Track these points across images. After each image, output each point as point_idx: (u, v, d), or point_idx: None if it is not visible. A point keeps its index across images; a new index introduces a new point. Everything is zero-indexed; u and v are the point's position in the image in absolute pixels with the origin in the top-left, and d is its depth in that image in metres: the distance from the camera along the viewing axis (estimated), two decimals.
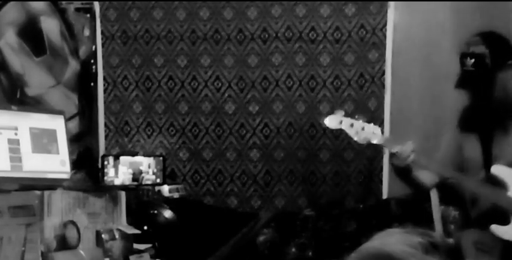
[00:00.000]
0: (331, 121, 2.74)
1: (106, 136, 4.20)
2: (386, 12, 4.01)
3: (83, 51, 4.21)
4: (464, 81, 2.68)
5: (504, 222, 2.60)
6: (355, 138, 2.71)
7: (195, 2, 4.11)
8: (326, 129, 4.01)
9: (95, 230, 2.69)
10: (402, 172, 2.69)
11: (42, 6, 4.18)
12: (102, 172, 3.26)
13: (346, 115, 2.71)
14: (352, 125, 2.70)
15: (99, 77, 4.19)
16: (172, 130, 4.16)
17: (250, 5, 4.08)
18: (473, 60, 2.62)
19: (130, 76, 4.18)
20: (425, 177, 2.75)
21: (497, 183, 2.63)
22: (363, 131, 2.69)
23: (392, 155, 2.67)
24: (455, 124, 2.83)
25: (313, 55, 4.07)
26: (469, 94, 2.75)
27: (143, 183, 3.44)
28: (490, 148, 2.70)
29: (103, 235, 2.68)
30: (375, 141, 2.70)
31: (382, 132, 2.76)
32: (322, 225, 3.87)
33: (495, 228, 2.60)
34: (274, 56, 4.09)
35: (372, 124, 2.71)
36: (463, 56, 2.66)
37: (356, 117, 2.73)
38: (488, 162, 2.68)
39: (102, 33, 4.17)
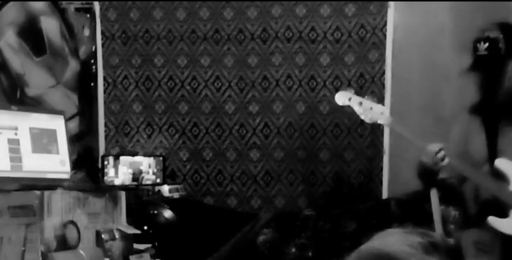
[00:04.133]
0: (340, 97, 2.74)
1: (106, 136, 4.20)
2: (386, 12, 4.01)
3: (83, 51, 4.22)
4: (477, 65, 2.66)
5: (503, 216, 2.60)
6: (362, 117, 2.70)
7: (195, 2, 4.11)
8: (326, 128, 4.04)
9: (95, 230, 2.69)
10: (427, 172, 2.66)
11: (42, 6, 4.19)
12: (102, 172, 3.27)
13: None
14: (360, 103, 2.70)
15: (99, 77, 4.19)
16: (172, 130, 4.16)
17: (250, 5, 4.08)
18: (487, 44, 2.61)
19: (130, 76, 4.18)
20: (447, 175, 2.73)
21: (500, 177, 2.63)
22: (371, 110, 2.69)
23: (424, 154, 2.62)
24: (466, 113, 2.81)
25: (313, 55, 4.06)
26: (479, 81, 2.73)
27: (143, 183, 3.45)
28: (495, 141, 2.69)
29: (103, 235, 2.68)
30: (381, 121, 2.70)
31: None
32: (322, 225, 3.86)
33: (493, 220, 2.59)
34: (274, 56, 4.09)
35: (381, 105, 2.71)
36: (477, 41, 2.65)
37: (366, 96, 2.73)
38: (493, 155, 2.68)
39: (102, 33, 4.17)
